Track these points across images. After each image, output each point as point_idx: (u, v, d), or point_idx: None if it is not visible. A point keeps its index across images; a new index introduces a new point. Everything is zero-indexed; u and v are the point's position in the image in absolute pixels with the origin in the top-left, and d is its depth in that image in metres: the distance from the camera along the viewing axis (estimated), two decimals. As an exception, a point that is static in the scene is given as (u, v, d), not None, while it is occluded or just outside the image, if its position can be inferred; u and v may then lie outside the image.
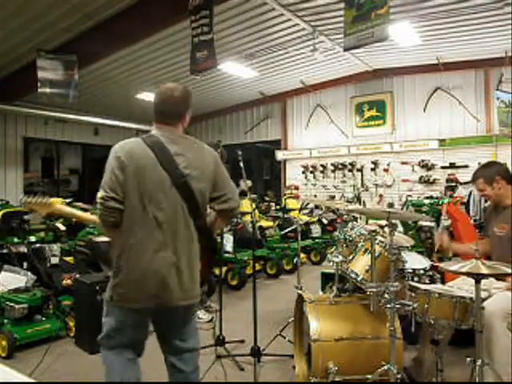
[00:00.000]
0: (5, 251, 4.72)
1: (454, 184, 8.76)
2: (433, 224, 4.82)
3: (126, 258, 1.91)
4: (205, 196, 2.01)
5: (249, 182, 3.93)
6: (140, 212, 1.90)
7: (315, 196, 11.15)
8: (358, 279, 2.68)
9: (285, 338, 3.69)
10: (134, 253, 1.90)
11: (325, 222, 8.86)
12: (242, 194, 5.17)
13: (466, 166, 9.16)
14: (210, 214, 2.12)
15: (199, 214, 2.00)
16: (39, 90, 6.72)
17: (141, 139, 1.97)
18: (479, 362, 2.11)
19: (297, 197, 10.51)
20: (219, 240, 4.52)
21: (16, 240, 4.81)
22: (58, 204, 2.44)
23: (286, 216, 8.57)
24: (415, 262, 3.04)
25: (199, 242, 2.03)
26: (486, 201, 7.06)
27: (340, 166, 10.87)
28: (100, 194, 1.90)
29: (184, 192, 1.94)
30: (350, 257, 2.85)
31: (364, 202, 10.27)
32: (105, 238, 4.20)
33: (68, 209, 2.52)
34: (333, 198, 10.76)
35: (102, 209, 1.90)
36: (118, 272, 1.94)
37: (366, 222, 5.92)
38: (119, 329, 1.97)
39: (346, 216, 8.00)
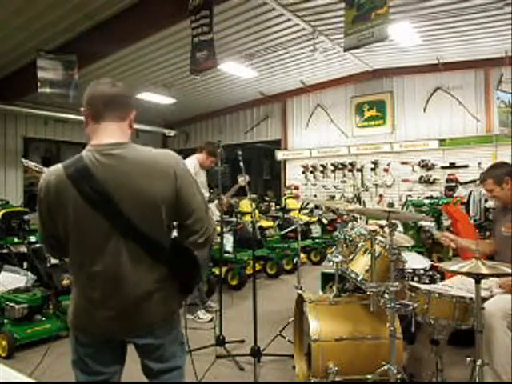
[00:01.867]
0: (5, 251, 4.72)
1: (454, 184, 8.76)
2: (433, 224, 4.83)
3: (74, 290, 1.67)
4: (161, 228, 1.60)
5: (247, 177, 3.92)
6: (75, 260, 1.61)
7: (315, 196, 11.15)
8: (358, 279, 2.68)
9: (285, 337, 3.69)
10: (77, 289, 1.64)
11: (325, 222, 8.86)
12: (242, 192, 5.18)
13: (466, 166, 9.15)
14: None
15: (158, 250, 1.60)
16: (39, 90, 6.72)
17: (62, 168, 1.55)
18: (479, 362, 2.11)
19: (297, 197, 10.51)
20: (219, 240, 4.52)
21: (16, 240, 4.81)
22: None
23: (285, 216, 8.58)
24: (415, 261, 3.04)
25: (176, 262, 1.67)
26: (486, 201, 7.07)
27: (340, 166, 10.86)
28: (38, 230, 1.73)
29: (119, 224, 1.53)
30: (350, 257, 2.85)
31: (364, 201, 10.27)
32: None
33: None
34: (333, 197, 10.75)
35: (43, 245, 1.73)
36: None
37: (366, 222, 5.93)
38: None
39: (345, 216, 7.98)
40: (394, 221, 2.51)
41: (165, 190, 1.55)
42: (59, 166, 1.58)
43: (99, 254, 1.54)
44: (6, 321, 3.85)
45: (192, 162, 4.47)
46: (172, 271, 1.66)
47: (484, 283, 2.27)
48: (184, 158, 1.93)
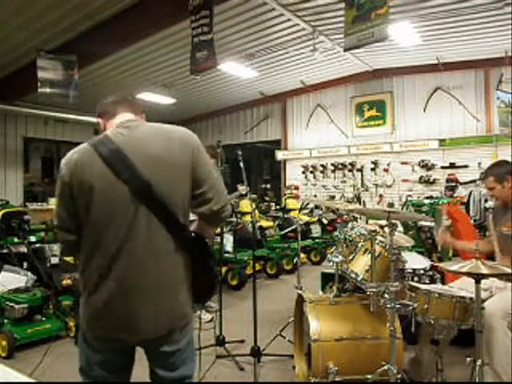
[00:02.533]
0: (5, 251, 4.72)
1: (454, 184, 8.76)
2: (433, 224, 4.81)
3: (85, 288, 1.61)
4: (180, 200, 1.59)
5: (245, 187, 3.93)
6: (96, 240, 1.55)
7: (315, 196, 11.15)
8: (358, 279, 2.68)
9: (285, 337, 3.69)
10: (90, 286, 1.58)
11: (325, 222, 8.86)
12: (241, 196, 5.20)
13: (466, 166, 9.16)
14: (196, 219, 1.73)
15: (177, 226, 1.58)
16: (39, 90, 6.72)
17: (91, 146, 1.57)
18: (479, 362, 2.11)
19: (297, 197, 10.51)
20: (219, 240, 4.52)
21: (16, 240, 4.81)
22: None
23: (285, 216, 8.58)
24: (415, 261, 3.04)
25: (189, 254, 1.64)
26: (486, 201, 7.07)
27: (340, 166, 10.87)
28: (54, 221, 1.67)
29: (151, 204, 1.53)
30: (350, 257, 2.85)
31: (364, 201, 10.27)
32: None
33: None
34: (333, 198, 10.76)
35: (58, 241, 1.70)
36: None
37: (366, 222, 5.92)
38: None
39: (346, 216, 7.98)
40: (393, 221, 2.51)
41: (182, 156, 1.59)
42: (87, 146, 1.60)
43: (121, 228, 1.52)
44: (6, 321, 3.85)
45: None
46: (194, 264, 1.64)
47: (484, 283, 2.27)
48: None
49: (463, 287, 2.72)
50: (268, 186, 11.47)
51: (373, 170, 10.41)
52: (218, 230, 4.38)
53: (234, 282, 5.96)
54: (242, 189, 3.87)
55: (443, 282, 3.13)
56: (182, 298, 1.61)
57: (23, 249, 4.73)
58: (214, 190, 1.62)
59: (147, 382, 1.71)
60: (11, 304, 3.81)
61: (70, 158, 1.59)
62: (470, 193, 7.58)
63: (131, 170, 1.52)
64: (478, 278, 2.12)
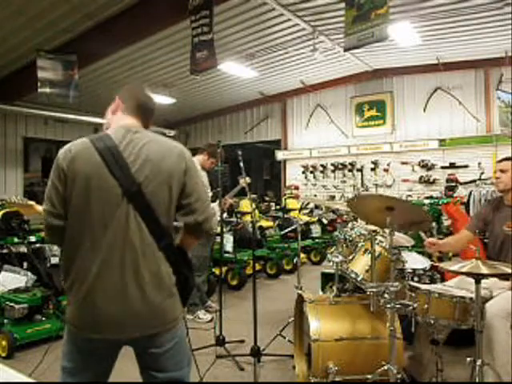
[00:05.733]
0: (5, 251, 4.72)
1: (454, 184, 8.75)
2: (433, 224, 4.82)
3: (68, 283, 1.62)
4: (167, 207, 1.63)
5: (248, 179, 3.92)
6: (80, 232, 1.57)
7: (315, 196, 11.15)
8: (358, 279, 2.68)
9: (285, 338, 3.70)
10: (72, 281, 1.60)
11: (325, 222, 8.86)
12: (242, 193, 5.19)
13: (466, 166, 9.15)
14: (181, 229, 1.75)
15: (161, 232, 1.61)
16: (39, 90, 6.71)
17: (89, 141, 1.63)
18: (479, 362, 2.12)
19: (297, 197, 10.51)
20: (219, 240, 4.52)
21: (16, 240, 4.81)
22: (39, 206, 2.38)
23: (285, 216, 8.58)
24: (415, 262, 3.04)
25: (168, 259, 1.64)
26: (486, 200, 7.07)
27: (340, 166, 10.86)
28: (43, 205, 1.68)
29: (138, 204, 1.57)
30: (350, 257, 2.85)
31: (364, 202, 10.25)
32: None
33: None
34: (333, 198, 10.75)
35: (44, 225, 1.67)
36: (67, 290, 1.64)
37: (366, 222, 5.92)
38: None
39: (346, 216, 7.99)
40: (394, 221, 2.51)
41: (177, 166, 1.65)
42: (86, 140, 1.65)
43: (109, 229, 1.56)
44: (6, 321, 3.85)
45: None
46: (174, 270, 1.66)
47: (484, 283, 2.27)
48: None
49: (461, 286, 2.72)
50: (269, 192, 11.49)
51: (373, 170, 10.41)
52: (218, 230, 4.38)
53: (234, 282, 5.96)
54: (243, 181, 3.86)
55: (442, 280, 3.13)
56: (166, 300, 1.62)
57: (23, 249, 4.72)
58: (200, 201, 1.69)
59: (144, 383, 1.71)
60: (11, 304, 3.81)
61: (69, 147, 1.64)
62: (470, 193, 7.57)
63: (124, 169, 1.58)
64: (477, 277, 2.12)
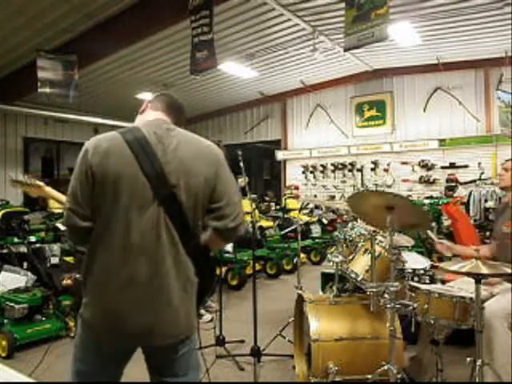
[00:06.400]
0: (5, 251, 4.72)
1: (453, 184, 8.76)
2: (433, 224, 4.82)
3: (91, 284, 1.54)
4: (198, 210, 1.57)
5: (246, 179, 3.91)
6: (108, 233, 1.50)
7: (315, 196, 11.15)
8: (358, 279, 2.68)
9: (285, 338, 3.69)
10: (97, 283, 1.53)
11: (325, 222, 8.86)
12: (241, 193, 5.19)
13: (466, 166, 9.16)
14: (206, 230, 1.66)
15: (190, 235, 1.55)
16: (39, 90, 6.72)
17: (120, 135, 1.55)
18: (479, 362, 2.11)
19: (297, 197, 10.51)
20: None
21: (16, 240, 4.81)
22: (47, 187, 2.51)
23: (285, 216, 8.57)
24: (415, 261, 3.04)
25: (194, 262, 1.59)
26: (486, 201, 7.08)
27: (340, 166, 10.88)
28: (65, 204, 1.57)
29: (169, 207, 1.51)
30: (350, 257, 2.85)
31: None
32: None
33: (56, 192, 2.52)
34: (333, 198, 10.76)
35: (66, 226, 1.58)
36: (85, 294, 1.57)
37: (366, 223, 5.92)
38: None
39: (346, 216, 7.99)
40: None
41: (208, 169, 1.57)
42: (116, 134, 1.58)
43: (137, 231, 1.48)
44: (6, 321, 3.84)
45: None
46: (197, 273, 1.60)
47: (484, 283, 2.27)
48: None
49: (463, 287, 2.72)
50: (269, 192, 11.48)
51: (373, 170, 10.42)
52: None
53: (234, 282, 5.96)
54: (241, 181, 3.85)
55: (443, 282, 3.13)
56: (190, 307, 1.58)
57: (23, 249, 4.72)
58: (232, 206, 1.59)
59: (147, 382, 1.71)
60: (11, 304, 3.80)
61: (99, 143, 1.54)
62: (470, 193, 7.58)
63: (157, 167, 1.50)
64: (477, 277, 2.12)
